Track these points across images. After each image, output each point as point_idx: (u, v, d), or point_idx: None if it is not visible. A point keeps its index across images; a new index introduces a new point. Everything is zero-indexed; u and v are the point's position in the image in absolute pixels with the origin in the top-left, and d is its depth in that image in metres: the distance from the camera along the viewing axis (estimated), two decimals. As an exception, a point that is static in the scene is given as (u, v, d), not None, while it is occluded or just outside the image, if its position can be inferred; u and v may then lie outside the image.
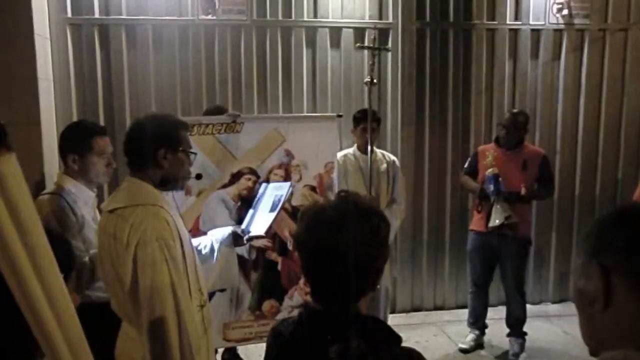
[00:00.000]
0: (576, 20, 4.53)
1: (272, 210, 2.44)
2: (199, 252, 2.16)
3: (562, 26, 4.52)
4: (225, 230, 2.33)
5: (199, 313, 1.88)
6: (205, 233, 2.41)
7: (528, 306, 3.87)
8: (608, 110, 4.66)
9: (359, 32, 4.24)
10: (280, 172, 2.91)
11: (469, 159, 3.92)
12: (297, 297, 2.95)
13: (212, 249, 2.25)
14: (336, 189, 2.98)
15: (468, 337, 3.91)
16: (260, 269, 2.91)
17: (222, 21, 4.04)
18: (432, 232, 4.54)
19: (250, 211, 2.56)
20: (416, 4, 4.29)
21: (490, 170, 3.62)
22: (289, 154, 2.92)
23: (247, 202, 2.76)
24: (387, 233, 1.18)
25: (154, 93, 4.00)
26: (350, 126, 3.68)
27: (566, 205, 4.70)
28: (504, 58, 4.49)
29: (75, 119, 3.72)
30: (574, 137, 4.68)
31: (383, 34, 4.24)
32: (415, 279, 4.55)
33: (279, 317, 2.87)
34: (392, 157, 3.75)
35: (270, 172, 2.89)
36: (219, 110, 3.19)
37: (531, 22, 4.49)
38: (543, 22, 4.50)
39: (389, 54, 4.23)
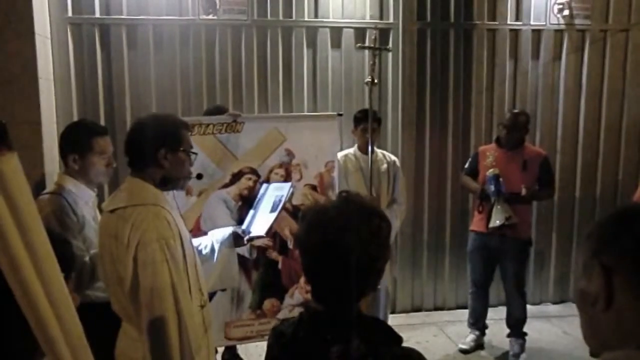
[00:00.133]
0: (577, 21, 4.52)
1: (272, 210, 2.43)
2: (200, 252, 2.16)
3: (563, 27, 4.52)
4: (226, 231, 2.33)
5: (200, 313, 1.88)
6: (206, 233, 2.41)
7: (528, 307, 3.87)
8: (608, 110, 4.66)
9: (360, 32, 4.24)
10: (281, 171, 2.91)
11: (470, 159, 3.91)
12: (298, 295, 2.95)
13: (212, 249, 2.25)
14: (337, 189, 2.98)
15: (468, 338, 3.91)
16: (261, 268, 2.91)
17: (223, 21, 4.04)
18: (433, 233, 4.54)
19: (251, 212, 2.56)
20: (417, 4, 4.29)
21: (491, 170, 3.61)
22: (289, 153, 2.92)
23: (248, 201, 2.75)
24: (388, 233, 1.18)
25: (154, 93, 4.00)
26: (351, 126, 3.69)
27: (566, 206, 4.69)
28: (504, 58, 4.49)
29: (75, 118, 3.72)
30: (574, 138, 4.68)
31: (384, 34, 4.24)
32: (416, 279, 4.55)
33: (280, 315, 2.88)
34: (393, 157, 3.75)
35: (270, 171, 2.89)
36: (220, 110, 3.18)
37: (532, 23, 4.49)
38: (544, 23, 4.50)
39: (390, 54, 4.23)
